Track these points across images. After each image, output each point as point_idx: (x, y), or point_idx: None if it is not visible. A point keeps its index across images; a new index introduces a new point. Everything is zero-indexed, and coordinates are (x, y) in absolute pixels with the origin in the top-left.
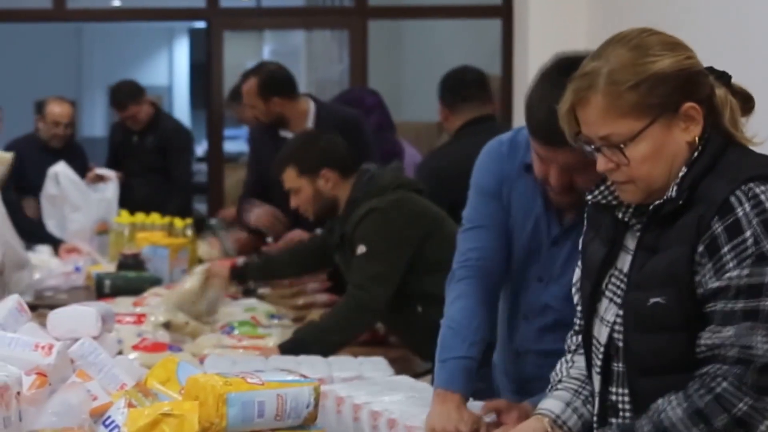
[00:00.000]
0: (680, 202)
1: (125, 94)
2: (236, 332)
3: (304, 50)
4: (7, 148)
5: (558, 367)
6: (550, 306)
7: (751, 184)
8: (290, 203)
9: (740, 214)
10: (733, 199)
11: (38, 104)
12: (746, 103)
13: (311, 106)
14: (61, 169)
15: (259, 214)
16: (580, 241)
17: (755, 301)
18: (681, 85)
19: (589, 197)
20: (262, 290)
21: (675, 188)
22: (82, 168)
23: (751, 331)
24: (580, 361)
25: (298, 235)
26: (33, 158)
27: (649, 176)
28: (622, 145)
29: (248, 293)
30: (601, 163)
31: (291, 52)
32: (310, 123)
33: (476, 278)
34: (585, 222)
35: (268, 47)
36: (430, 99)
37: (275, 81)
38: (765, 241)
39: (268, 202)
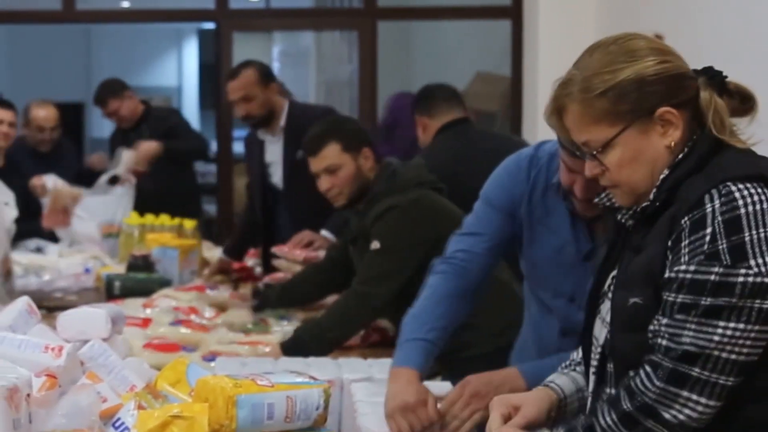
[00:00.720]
0: (657, 203)
1: (105, 89)
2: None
3: (313, 51)
4: None
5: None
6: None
7: (729, 183)
8: (320, 187)
9: (708, 210)
10: (706, 197)
11: (24, 109)
12: (745, 102)
13: (285, 105)
14: (50, 181)
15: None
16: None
17: (694, 298)
18: (655, 91)
19: (596, 200)
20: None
21: (655, 191)
22: (74, 169)
23: (682, 323)
24: None
25: (308, 236)
26: (24, 163)
27: (630, 181)
28: (596, 152)
29: (258, 295)
30: (588, 169)
31: (300, 53)
32: (282, 121)
33: (452, 274)
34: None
35: (277, 48)
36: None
37: (269, 69)
38: (721, 240)
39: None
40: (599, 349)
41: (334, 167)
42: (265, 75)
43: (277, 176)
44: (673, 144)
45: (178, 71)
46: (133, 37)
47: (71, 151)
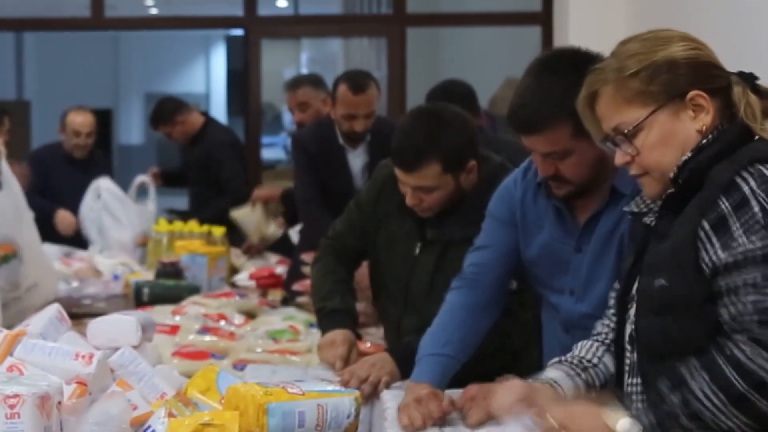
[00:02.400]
0: (679, 183)
1: (167, 109)
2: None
3: (341, 58)
4: (32, 157)
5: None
6: (583, 323)
7: (757, 164)
8: (408, 201)
9: (746, 191)
10: (738, 179)
11: (61, 116)
12: None
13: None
14: (103, 183)
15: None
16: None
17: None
18: (686, 73)
19: (626, 208)
20: (300, 299)
21: (675, 170)
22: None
23: (765, 288)
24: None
25: None
26: (56, 168)
27: (660, 164)
28: (627, 132)
29: (286, 302)
30: (619, 158)
31: (328, 60)
32: (368, 135)
33: (466, 287)
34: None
35: (305, 55)
36: None
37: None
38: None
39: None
40: (628, 347)
41: (430, 188)
42: (379, 89)
43: (356, 186)
44: (704, 128)
45: (206, 78)
46: (161, 44)
47: (104, 160)
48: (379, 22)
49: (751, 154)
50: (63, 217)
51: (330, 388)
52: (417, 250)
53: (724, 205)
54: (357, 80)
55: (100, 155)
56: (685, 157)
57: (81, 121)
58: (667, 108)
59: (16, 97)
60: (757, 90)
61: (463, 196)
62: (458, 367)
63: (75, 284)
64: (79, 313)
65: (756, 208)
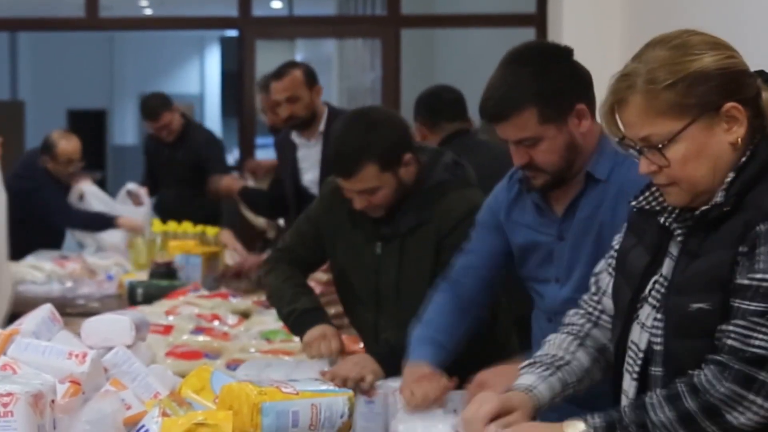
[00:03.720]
0: (727, 208)
1: (157, 103)
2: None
3: (336, 59)
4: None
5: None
6: (565, 308)
7: None
8: (356, 205)
9: None
10: None
11: (45, 143)
12: None
13: (325, 110)
14: (86, 188)
15: None
16: (617, 246)
17: None
18: (721, 84)
19: (633, 203)
20: None
21: (722, 194)
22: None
23: (756, 327)
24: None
25: None
26: (44, 193)
27: (692, 178)
28: (660, 146)
29: None
30: (643, 166)
31: (323, 61)
32: (321, 126)
33: (448, 289)
34: (625, 227)
35: (299, 56)
36: None
37: (314, 71)
38: None
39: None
40: (641, 354)
41: (373, 189)
42: (311, 76)
43: (307, 179)
44: (738, 140)
45: (201, 79)
46: (155, 44)
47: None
48: (373, 24)
49: None
50: (126, 221)
51: (324, 387)
52: (378, 250)
53: (760, 229)
54: (279, 68)
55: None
56: (729, 179)
57: (73, 148)
58: (702, 120)
59: (10, 98)
60: None
61: (407, 188)
62: (449, 358)
63: (69, 284)
64: (73, 313)
65: None
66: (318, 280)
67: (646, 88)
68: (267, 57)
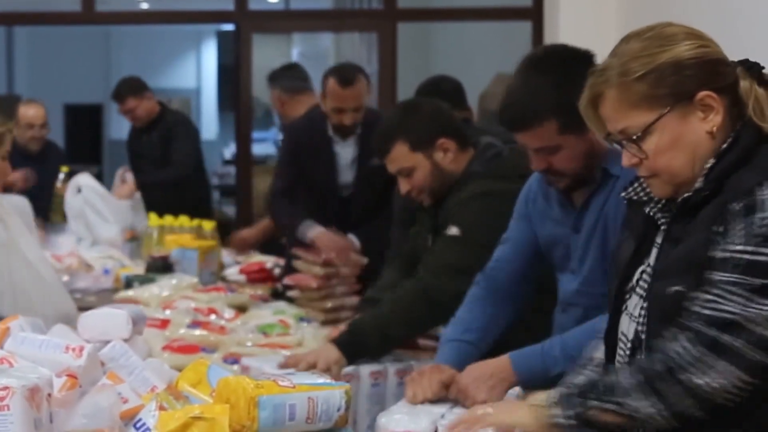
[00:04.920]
0: (706, 192)
1: (125, 87)
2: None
3: (332, 53)
4: None
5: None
6: (575, 300)
7: None
8: (401, 189)
9: (760, 197)
10: (757, 187)
11: (8, 109)
12: None
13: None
14: (84, 180)
15: (324, 237)
16: (617, 240)
17: (749, 277)
18: (694, 74)
19: (623, 194)
20: (291, 293)
21: (701, 180)
22: (57, 168)
23: (730, 296)
24: None
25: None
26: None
27: (670, 168)
28: (635, 137)
29: (277, 296)
30: (625, 159)
31: (320, 55)
32: (359, 128)
33: (485, 283)
34: (621, 223)
35: (296, 50)
36: None
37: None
38: None
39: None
40: (629, 344)
41: (407, 170)
42: (369, 83)
43: (342, 180)
44: (714, 129)
45: (197, 73)
46: (152, 38)
47: (57, 151)
48: (370, 17)
49: None
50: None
51: (320, 380)
52: (429, 242)
53: (737, 208)
54: (345, 74)
55: (54, 147)
56: (708, 164)
57: (33, 113)
58: (676, 111)
59: (7, 92)
60: (764, 81)
61: (450, 177)
62: (478, 354)
63: (65, 279)
64: None
65: (765, 215)
66: (315, 274)
67: (620, 81)
68: (264, 51)
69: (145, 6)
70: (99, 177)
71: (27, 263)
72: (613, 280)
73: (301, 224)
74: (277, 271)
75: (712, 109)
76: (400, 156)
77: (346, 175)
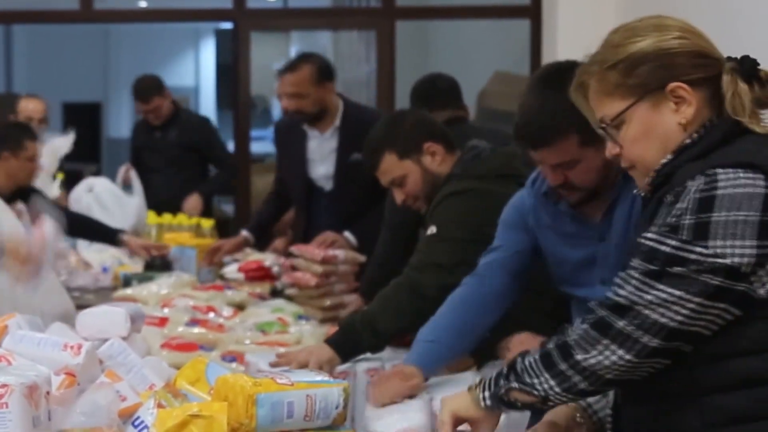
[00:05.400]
0: (655, 185)
1: (150, 86)
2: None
3: (331, 51)
4: None
5: None
6: None
7: (719, 169)
8: (396, 200)
9: (690, 187)
10: (690, 180)
11: (8, 103)
12: None
13: (340, 104)
14: (98, 181)
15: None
16: None
17: (645, 263)
18: (665, 65)
19: (635, 191)
20: (289, 291)
21: (653, 173)
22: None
23: (627, 279)
24: None
25: (331, 237)
26: None
27: (643, 159)
28: (606, 125)
29: (275, 294)
30: (609, 149)
31: (318, 53)
32: (338, 121)
33: (471, 284)
34: None
35: (294, 48)
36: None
37: (328, 67)
38: (688, 216)
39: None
40: None
41: (399, 179)
42: (323, 73)
43: (319, 172)
44: (685, 121)
45: (196, 71)
46: (150, 37)
47: None
48: (368, 15)
49: (720, 159)
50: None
51: (319, 378)
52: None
53: (669, 199)
54: (291, 61)
55: None
56: (664, 160)
57: (33, 107)
58: (647, 101)
59: (5, 90)
60: (756, 77)
61: (439, 180)
62: (449, 356)
63: (64, 277)
64: None
65: (680, 206)
66: (314, 272)
67: (597, 70)
68: (262, 49)
69: (143, 4)
70: (97, 175)
71: None
72: None
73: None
74: (275, 269)
75: (684, 101)
76: (390, 166)
77: (319, 168)
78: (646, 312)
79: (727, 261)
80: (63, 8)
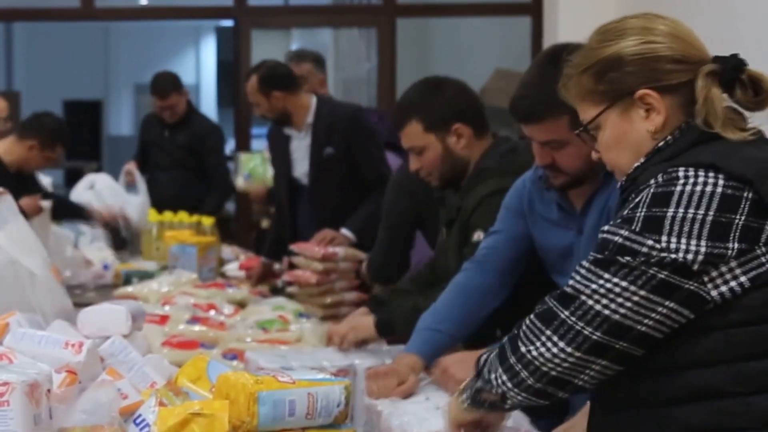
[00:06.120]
0: (624, 187)
1: (168, 82)
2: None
3: (332, 48)
4: None
5: None
6: None
7: (681, 168)
8: (411, 165)
9: (650, 183)
10: (654, 179)
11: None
12: (759, 95)
13: (313, 101)
14: (99, 177)
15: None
16: None
17: (595, 254)
18: (634, 71)
19: (617, 187)
20: (290, 288)
21: (624, 178)
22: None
23: (577, 270)
24: None
25: (330, 234)
26: None
27: (618, 165)
28: (581, 130)
29: (276, 291)
30: (593, 153)
31: (319, 50)
32: (310, 118)
33: (473, 270)
34: None
35: (295, 45)
36: None
37: (274, 75)
38: (642, 209)
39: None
40: None
41: (419, 148)
42: (265, 83)
43: (299, 171)
44: (654, 129)
45: (196, 69)
46: (151, 34)
47: None
48: (369, 13)
49: (686, 161)
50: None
51: (320, 376)
52: (444, 235)
53: (632, 198)
54: (249, 69)
55: None
56: (637, 164)
57: None
58: (617, 107)
59: (6, 88)
60: (738, 79)
61: (461, 165)
62: (452, 344)
63: (66, 274)
64: None
65: (637, 199)
66: (315, 269)
67: (574, 73)
68: (263, 47)
69: (144, 2)
70: (98, 172)
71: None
72: None
73: None
74: (277, 267)
75: (653, 108)
76: (414, 134)
77: (300, 166)
78: (590, 302)
79: (678, 256)
80: (64, 6)
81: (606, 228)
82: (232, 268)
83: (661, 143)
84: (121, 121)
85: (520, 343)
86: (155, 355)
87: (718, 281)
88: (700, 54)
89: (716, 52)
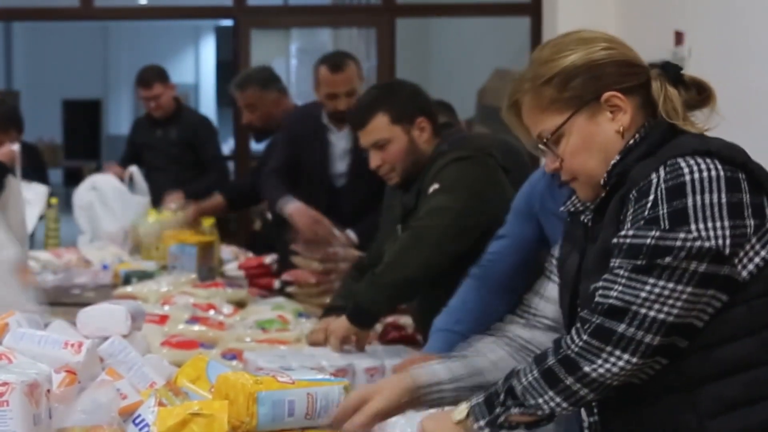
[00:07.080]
0: (609, 186)
1: (153, 72)
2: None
3: (331, 48)
4: None
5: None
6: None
7: (678, 159)
8: (372, 163)
9: (653, 180)
10: (653, 173)
11: None
12: (702, 93)
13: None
14: (101, 178)
15: (299, 211)
16: (556, 255)
17: (630, 261)
18: (598, 75)
19: (562, 208)
20: (289, 288)
21: (605, 176)
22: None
23: (614, 280)
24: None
25: (328, 227)
26: None
27: (585, 170)
28: (546, 141)
29: (275, 291)
30: (548, 164)
31: (318, 50)
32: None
33: (481, 274)
34: (561, 237)
35: (295, 45)
36: (458, 97)
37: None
38: (662, 206)
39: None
40: None
41: (383, 141)
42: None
43: (337, 170)
44: (622, 128)
45: (196, 68)
46: (150, 34)
47: None
48: (368, 13)
49: (672, 152)
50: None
51: (319, 377)
52: (399, 231)
53: (634, 194)
54: (335, 59)
55: None
56: (613, 161)
57: None
58: (583, 112)
59: (5, 87)
60: (681, 81)
61: (421, 159)
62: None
63: (63, 274)
64: (68, 303)
65: (650, 198)
66: (314, 270)
67: (531, 87)
68: (262, 46)
69: (143, 1)
70: (97, 171)
71: None
72: (564, 295)
73: (281, 198)
74: (274, 266)
75: (620, 110)
76: (379, 127)
77: (339, 164)
78: (643, 311)
79: (711, 244)
80: (63, 5)
81: (630, 233)
82: (231, 268)
83: (631, 141)
84: (121, 120)
85: (580, 364)
86: (155, 355)
87: (745, 260)
88: (642, 60)
89: (716, 52)
